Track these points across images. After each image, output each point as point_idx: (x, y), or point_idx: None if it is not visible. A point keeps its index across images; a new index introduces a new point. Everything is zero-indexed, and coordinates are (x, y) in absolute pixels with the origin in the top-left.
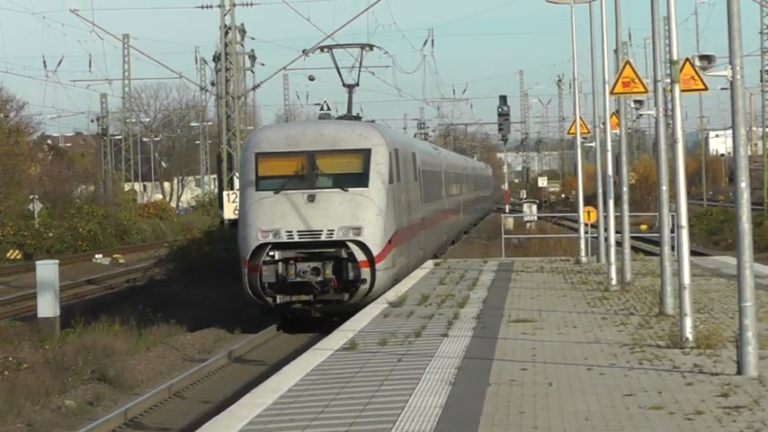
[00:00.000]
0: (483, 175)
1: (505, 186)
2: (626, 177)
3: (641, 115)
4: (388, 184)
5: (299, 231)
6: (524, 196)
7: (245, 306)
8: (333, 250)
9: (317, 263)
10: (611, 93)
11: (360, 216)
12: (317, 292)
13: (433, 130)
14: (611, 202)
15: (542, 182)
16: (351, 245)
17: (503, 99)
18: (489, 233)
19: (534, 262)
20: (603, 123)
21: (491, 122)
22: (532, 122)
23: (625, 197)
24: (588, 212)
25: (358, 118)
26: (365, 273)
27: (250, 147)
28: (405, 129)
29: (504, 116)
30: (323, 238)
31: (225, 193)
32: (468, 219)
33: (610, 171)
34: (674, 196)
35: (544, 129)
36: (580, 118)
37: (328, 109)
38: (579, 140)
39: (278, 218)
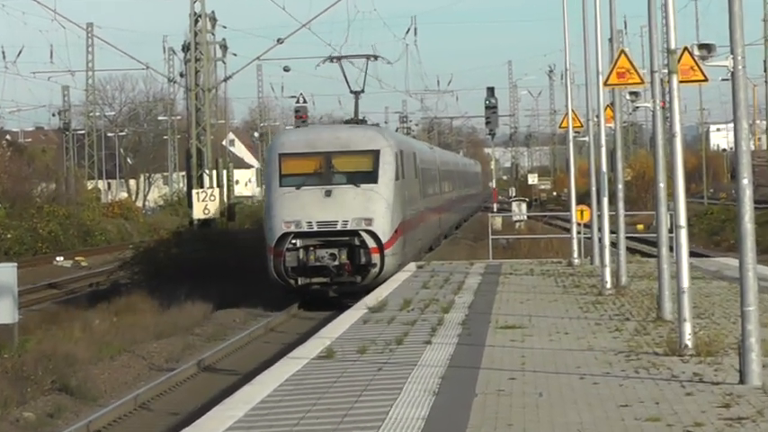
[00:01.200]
0: (472, 171)
1: (493, 184)
2: (621, 174)
3: (637, 108)
4: (394, 180)
5: (317, 222)
6: (513, 194)
7: (216, 309)
8: (347, 238)
9: (334, 249)
10: (606, 84)
11: (370, 209)
12: (334, 275)
13: (417, 124)
14: (605, 201)
15: (532, 179)
16: (363, 234)
17: (490, 91)
18: (476, 233)
19: (524, 264)
20: (597, 117)
21: (478, 116)
22: (522, 116)
23: (620, 195)
24: (581, 211)
25: (364, 121)
26: (375, 258)
27: (274, 148)
28: (386, 122)
29: (491, 109)
30: (338, 227)
31: (194, 191)
32: (458, 216)
33: (604, 167)
34: (672, 194)
35: (534, 122)
36: (572, 111)
37: (304, 102)
38: (571, 135)
39: (299, 210)
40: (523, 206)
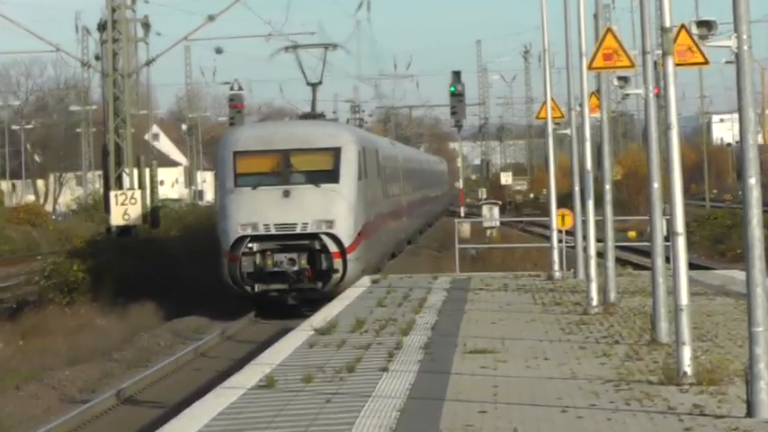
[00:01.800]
0: (437, 170)
1: (460, 184)
2: (609, 172)
3: (627, 95)
4: (357, 180)
5: (275, 224)
6: (484, 196)
7: (137, 330)
8: (307, 242)
9: (293, 254)
10: (590, 68)
11: (332, 210)
12: (293, 281)
13: (370, 115)
14: (590, 204)
15: (506, 178)
16: (324, 237)
17: (456, 76)
18: (440, 242)
19: (496, 278)
20: (581, 105)
21: (442, 104)
22: (493, 104)
23: (608, 197)
24: (563, 216)
25: (322, 116)
26: (337, 263)
27: (227, 145)
28: (334, 113)
29: (457, 97)
30: (298, 230)
31: (112, 193)
32: (422, 220)
33: (589, 165)
34: (668, 196)
35: (508, 112)
36: (552, 99)
37: (240, 89)
38: (551, 127)
39: (256, 212)
40: (495, 210)
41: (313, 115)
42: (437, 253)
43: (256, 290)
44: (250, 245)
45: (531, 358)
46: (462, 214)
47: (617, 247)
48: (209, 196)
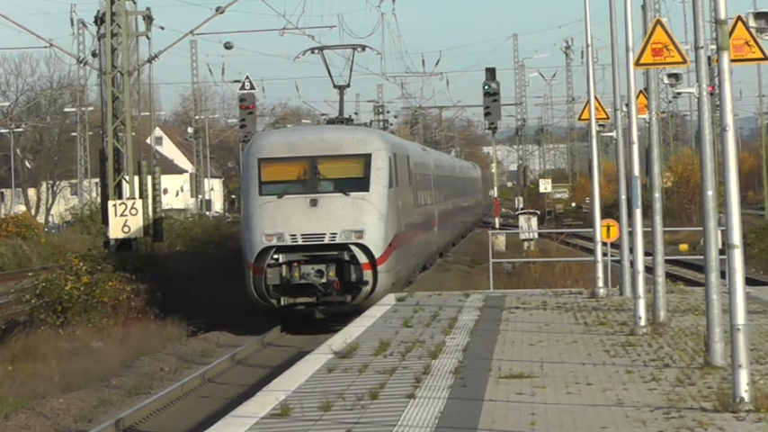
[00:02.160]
0: (470, 177)
1: (494, 192)
2: (658, 178)
3: (678, 94)
4: (388, 188)
5: (302, 235)
6: (521, 206)
7: (138, 354)
8: (335, 253)
9: (321, 265)
10: (637, 64)
11: (362, 219)
12: (321, 294)
13: (396, 116)
14: (638, 213)
15: (545, 186)
16: (353, 248)
17: (490, 73)
18: (473, 256)
19: (534, 295)
20: (627, 105)
21: (475, 105)
22: (531, 105)
23: (657, 206)
24: (607, 227)
25: (350, 120)
26: (367, 275)
27: (252, 152)
28: (356, 114)
29: (492, 96)
30: (326, 241)
31: (111, 203)
32: (455, 231)
33: (636, 170)
34: (723, 204)
35: (547, 113)
36: (595, 98)
37: (251, 87)
38: (595, 129)
39: (282, 222)
40: (533, 221)
41: (341, 120)
42: (469, 268)
43: (282, 303)
44: (276, 256)
45: (572, 383)
46: (497, 225)
47: (667, 260)
48: (217, 206)
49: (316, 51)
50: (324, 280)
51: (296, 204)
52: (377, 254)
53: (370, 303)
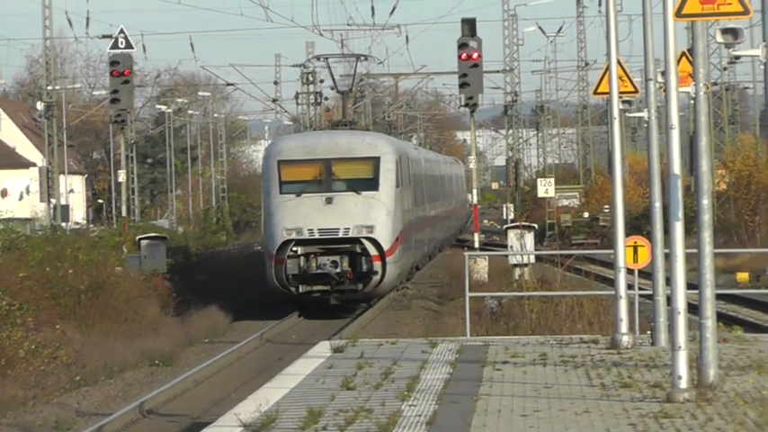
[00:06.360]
0: (454, 175)
1: (473, 197)
2: (708, 178)
3: (737, 59)
4: (395, 188)
5: (319, 229)
6: (510, 216)
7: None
8: (348, 246)
9: (335, 257)
10: (679, 15)
11: (372, 216)
12: (335, 283)
13: (332, 87)
14: (678, 227)
15: (546, 188)
16: (364, 241)
17: (469, 26)
18: (441, 288)
19: (529, 345)
20: (664, 74)
21: (446, 72)
22: (527, 72)
23: (706, 217)
24: (634, 247)
25: (354, 123)
26: (377, 266)
27: (272, 155)
28: (276, 83)
29: (470, 60)
30: (340, 235)
31: None
32: (441, 234)
33: (676, 166)
34: None
35: (550, 85)
36: (619, 63)
37: (127, 45)
38: (617, 107)
39: (300, 217)
40: (529, 238)
41: (344, 123)
42: (437, 305)
43: (300, 291)
44: (295, 248)
45: None
46: (476, 244)
47: (721, 296)
48: (78, 214)
49: (321, 59)
50: (338, 270)
51: (313, 202)
52: (386, 247)
53: (379, 292)
